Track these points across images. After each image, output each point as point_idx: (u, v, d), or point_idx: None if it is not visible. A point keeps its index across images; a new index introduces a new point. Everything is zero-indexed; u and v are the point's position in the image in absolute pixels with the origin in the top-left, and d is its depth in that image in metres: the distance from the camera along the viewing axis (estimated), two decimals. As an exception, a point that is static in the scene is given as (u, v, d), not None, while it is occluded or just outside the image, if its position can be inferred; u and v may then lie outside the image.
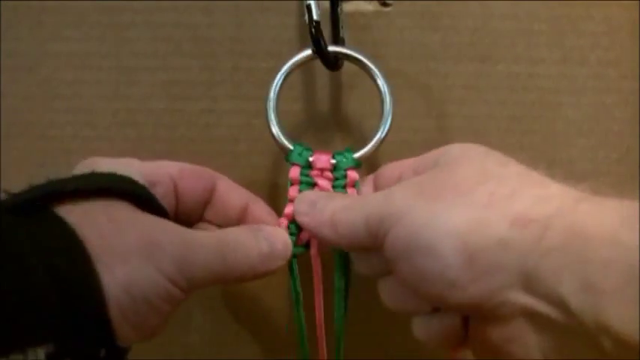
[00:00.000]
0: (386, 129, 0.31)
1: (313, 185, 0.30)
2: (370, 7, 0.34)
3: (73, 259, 0.23)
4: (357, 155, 0.31)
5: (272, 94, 0.31)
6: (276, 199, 0.35)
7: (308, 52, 0.31)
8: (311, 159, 0.30)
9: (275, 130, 0.31)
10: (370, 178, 0.31)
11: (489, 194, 0.23)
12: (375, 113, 0.32)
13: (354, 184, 0.31)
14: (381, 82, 0.31)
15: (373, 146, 0.31)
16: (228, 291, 0.37)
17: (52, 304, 0.22)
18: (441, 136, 0.35)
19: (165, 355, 0.37)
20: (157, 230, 0.26)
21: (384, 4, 0.34)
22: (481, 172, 0.25)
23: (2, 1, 0.34)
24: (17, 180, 0.35)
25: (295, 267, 0.30)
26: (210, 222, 0.31)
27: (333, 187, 0.30)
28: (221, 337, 0.38)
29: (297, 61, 0.31)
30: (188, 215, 0.30)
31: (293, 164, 0.30)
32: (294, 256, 0.30)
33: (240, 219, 0.31)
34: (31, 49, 0.34)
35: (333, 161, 0.31)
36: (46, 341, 0.22)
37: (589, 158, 0.35)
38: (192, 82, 0.35)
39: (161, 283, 0.24)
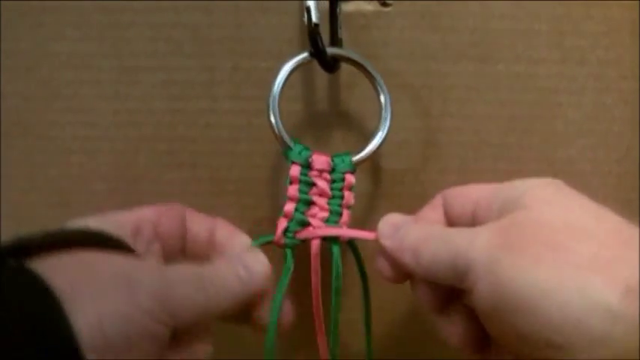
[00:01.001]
0: (384, 134, 0.31)
1: (312, 185, 0.31)
2: (370, 7, 0.34)
3: (42, 305, 0.22)
4: (354, 159, 0.31)
5: (275, 92, 0.31)
6: (276, 198, 0.35)
7: (305, 54, 0.31)
8: (310, 159, 0.31)
9: (277, 125, 0.31)
10: (438, 202, 0.31)
11: (592, 256, 0.22)
12: (376, 112, 0.32)
13: (350, 188, 0.31)
14: (379, 85, 0.31)
15: (370, 151, 0.31)
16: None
17: (20, 347, 0.21)
18: (441, 136, 0.35)
19: (166, 355, 0.37)
20: (132, 267, 0.25)
21: (384, 4, 0.34)
22: (573, 225, 0.23)
23: (2, 1, 0.34)
24: (17, 180, 0.36)
25: (290, 258, 0.30)
26: (190, 255, 0.31)
27: (331, 189, 0.31)
28: (221, 337, 0.38)
29: (294, 63, 0.31)
30: (172, 254, 0.30)
31: (293, 163, 0.31)
32: (289, 247, 0.30)
33: (210, 240, 0.31)
34: (31, 49, 0.34)
35: (332, 163, 0.31)
36: None
37: (589, 158, 0.35)
38: (192, 82, 0.35)
39: (138, 318, 0.23)
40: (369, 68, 0.32)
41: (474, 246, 0.24)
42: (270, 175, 0.35)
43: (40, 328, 0.22)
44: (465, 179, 0.35)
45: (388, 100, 0.31)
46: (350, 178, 0.31)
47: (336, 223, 0.31)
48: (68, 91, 0.35)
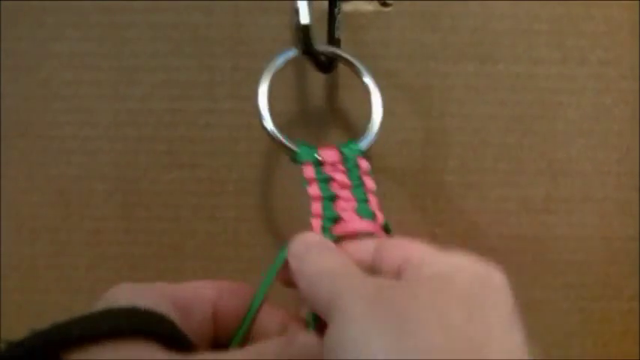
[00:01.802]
0: (379, 118, 0.31)
1: (330, 180, 0.30)
2: (370, 7, 0.34)
3: None
4: (361, 145, 0.30)
5: (261, 95, 0.30)
6: (275, 199, 0.35)
7: (291, 53, 0.31)
8: (318, 156, 0.30)
9: (275, 133, 0.30)
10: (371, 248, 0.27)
11: None
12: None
13: (367, 173, 0.30)
14: (367, 79, 0.31)
15: (373, 135, 0.31)
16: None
17: None
18: (441, 136, 0.35)
19: (166, 355, 0.37)
20: None
21: (384, 4, 0.34)
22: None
23: (2, 1, 0.34)
24: (17, 180, 0.36)
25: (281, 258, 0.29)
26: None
27: (349, 178, 0.30)
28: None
29: (280, 63, 0.31)
30: (228, 336, 0.27)
31: (304, 164, 0.30)
32: None
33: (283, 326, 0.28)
34: (31, 49, 0.34)
35: (341, 154, 0.30)
36: None
37: (589, 158, 0.35)
38: (192, 82, 0.35)
39: None
40: (356, 63, 0.31)
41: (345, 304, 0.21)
42: (270, 175, 0.35)
43: None
44: (465, 179, 0.35)
45: (378, 93, 0.31)
46: (363, 164, 0.30)
47: (368, 209, 0.29)
48: (68, 91, 0.35)
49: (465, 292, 0.21)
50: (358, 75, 0.31)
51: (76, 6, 0.34)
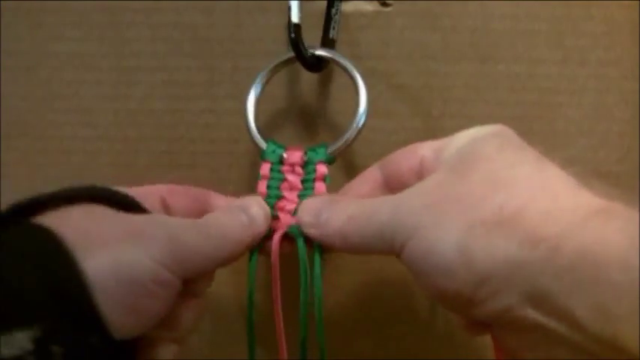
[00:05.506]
0: (360, 125, 0.30)
1: (283, 180, 0.30)
2: (370, 7, 0.34)
3: (50, 251, 0.23)
4: (329, 150, 0.31)
5: (253, 93, 0.32)
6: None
7: (291, 54, 0.31)
8: (285, 155, 0.31)
9: (249, 126, 0.31)
10: (371, 174, 0.30)
11: (498, 209, 0.23)
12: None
13: (323, 179, 0.30)
14: (355, 75, 0.31)
15: (345, 142, 0.30)
16: (227, 291, 0.37)
17: (32, 291, 0.22)
18: (441, 136, 0.35)
19: (165, 355, 0.37)
20: (139, 221, 0.26)
21: (384, 4, 0.34)
22: (490, 178, 0.24)
23: (2, 1, 0.34)
24: (17, 180, 0.36)
25: (255, 254, 0.29)
26: None
27: (302, 181, 0.31)
28: (221, 337, 0.38)
29: (278, 63, 0.32)
30: None
31: (264, 161, 0.31)
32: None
33: None
34: (31, 49, 0.35)
35: (305, 157, 0.31)
36: (30, 322, 0.21)
37: (589, 158, 0.35)
38: (192, 82, 0.35)
39: (150, 265, 0.24)
40: (347, 65, 0.31)
41: (400, 214, 0.25)
42: (270, 175, 0.35)
43: (50, 274, 0.22)
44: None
45: (364, 89, 0.30)
46: (322, 169, 0.30)
47: None
48: (68, 91, 0.35)
49: (493, 147, 0.25)
50: (349, 76, 0.31)
51: (76, 6, 0.34)
